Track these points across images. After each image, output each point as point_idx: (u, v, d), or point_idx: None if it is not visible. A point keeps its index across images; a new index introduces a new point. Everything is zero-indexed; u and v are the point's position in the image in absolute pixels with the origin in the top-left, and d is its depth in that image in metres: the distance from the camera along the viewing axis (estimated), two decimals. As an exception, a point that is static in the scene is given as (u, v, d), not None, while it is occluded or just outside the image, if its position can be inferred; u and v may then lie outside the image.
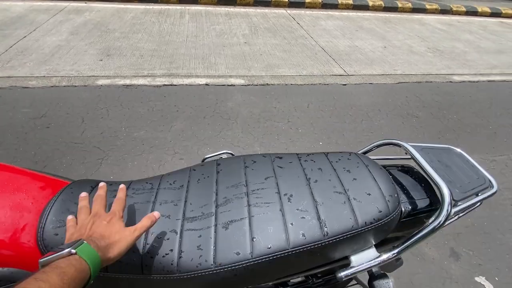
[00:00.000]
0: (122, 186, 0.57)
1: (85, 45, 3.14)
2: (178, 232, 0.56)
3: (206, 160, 0.76)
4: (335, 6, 5.17)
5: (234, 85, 2.66)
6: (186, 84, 2.59)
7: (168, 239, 0.55)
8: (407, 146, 0.71)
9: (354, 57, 3.47)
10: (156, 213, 0.53)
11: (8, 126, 1.95)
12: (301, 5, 5.06)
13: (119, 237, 0.47)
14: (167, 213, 0.59)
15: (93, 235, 0.45)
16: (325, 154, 0.72)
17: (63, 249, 0.39)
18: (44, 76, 2.52)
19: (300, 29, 4.14)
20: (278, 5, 4.97)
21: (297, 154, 0.72)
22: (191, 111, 2.26)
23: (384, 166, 0.73)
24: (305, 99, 2.56)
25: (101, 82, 2.50)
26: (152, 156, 1.83)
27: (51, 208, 0.56)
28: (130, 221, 0.58)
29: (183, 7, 4.59)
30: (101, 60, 2.86)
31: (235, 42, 3.54)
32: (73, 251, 0.39)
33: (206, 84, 2.62)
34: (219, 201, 0.60)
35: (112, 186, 0.63)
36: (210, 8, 4.62)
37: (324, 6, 5.12)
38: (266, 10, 4.77)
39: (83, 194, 0.55)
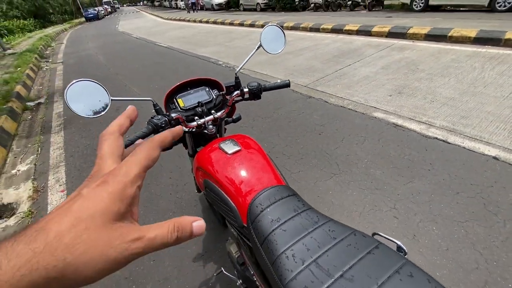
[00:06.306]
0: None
1: (386, 79, 3.49)
2: (304, 265, 0.63)
3: (375, 235, 0.71)
4: None
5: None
6: (464, 147, 2.13)
7: (295, 262, 0.65)
8: None
9: None
10: (198, 225, 0.27)
11: (301, 123, 2.79)
12: None
13: (99, 245, 0.22)
14: (308, 247, 0.67)
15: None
16: None
17: None
18: (341, 97, 3.21)
19: None
20: None
21: None
22: (446, 178, 1.88)
23: None
24: None
25: (376, 114, 2.74)
26: (371, 197, 1.82)
27: (261, 195, 0.83)
28: (286, 236, 0.72)
29: (533, 56, 3.54)
30: (390, 96, 3.06)
31: None
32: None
33: (495, 158, 1.98)
34: (346, 275, 0.59)
35: None
36: None
37: None
38: None
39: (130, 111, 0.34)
